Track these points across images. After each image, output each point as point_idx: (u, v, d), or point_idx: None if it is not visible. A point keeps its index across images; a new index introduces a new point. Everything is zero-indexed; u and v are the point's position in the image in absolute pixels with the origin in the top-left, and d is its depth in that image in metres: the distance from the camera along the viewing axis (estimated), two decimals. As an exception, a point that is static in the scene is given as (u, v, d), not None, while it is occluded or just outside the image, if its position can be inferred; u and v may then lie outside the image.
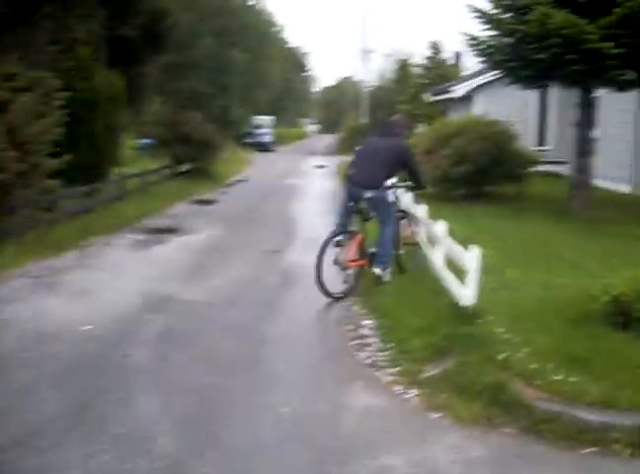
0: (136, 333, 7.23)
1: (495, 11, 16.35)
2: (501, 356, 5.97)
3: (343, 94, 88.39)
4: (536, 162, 19.34)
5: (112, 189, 17.22)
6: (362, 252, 8.85)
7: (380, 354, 6.78)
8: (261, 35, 52.87)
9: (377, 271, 8.73)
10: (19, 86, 11.32)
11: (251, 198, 20.42)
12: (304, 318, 8.07)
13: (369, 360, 6.65)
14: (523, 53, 15.89)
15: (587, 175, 16.78)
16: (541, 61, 15.56)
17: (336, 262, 8.55)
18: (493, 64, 17.39)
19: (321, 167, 33.27)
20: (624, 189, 20.45)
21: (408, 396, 5.83)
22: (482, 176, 18.04)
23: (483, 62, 18.25)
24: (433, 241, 9.67)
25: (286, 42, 77.15)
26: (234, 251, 11.85)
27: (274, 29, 62.84)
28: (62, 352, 6.59)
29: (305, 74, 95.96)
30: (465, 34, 16.83)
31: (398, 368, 6.36)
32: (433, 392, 5.81)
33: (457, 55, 47.22)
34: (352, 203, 8.96)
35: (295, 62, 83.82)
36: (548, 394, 5.37)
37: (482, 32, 16.74)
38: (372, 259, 8.90)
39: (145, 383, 5.93)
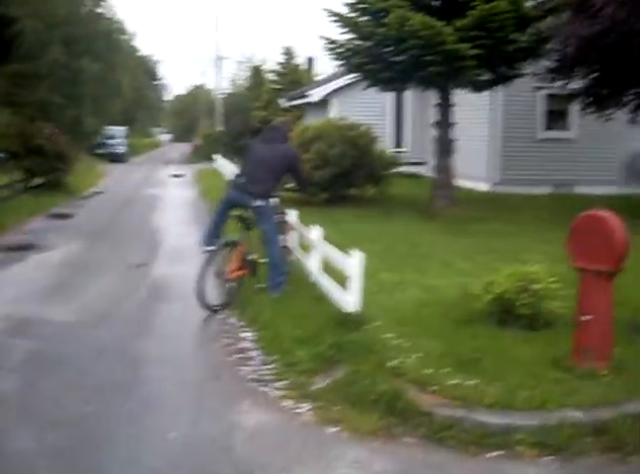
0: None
1: (352, 14, 16.40)
2: (392, 363, 5.79)
3: (196, 102, 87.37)
4: (396, 164, 19.61)
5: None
6: (244, 261, 8.48)
7: (264, 367, 6.47)
8: (111, 43, 51.25)
9: (274, 294, 8.16)
10: None
11: (110, 210, 19.53)
12: (180, 334, 7.62)
13: (254, 375, 6.32)
14: (382, 56, 16.09)
15: (448, 174, 17.16)
16: (400, 63, 15.83)
17: (217, 273, 8.27)
18: (352, 67, 17.46)
19: (178, 176, 32.54)
20: (483, 187, 21.15)
21: (300, 411, 5.54)
22: (344, 179, 18.08)
23: (342, 65, 18.37)
24: (305, 247, 9.49)
25: (137, 51, 75.30)
26: (98, 266, 11.15)
27: (124, 37, 61.03)
28: None
29: (157, 83, 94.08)
30: (323, 37, 16.81)
31: (285, 382, 6.07)
32: (325, 405, 5.55)
33: (310, 60, 47.70)
34: (231, 211, 8.59)
35: (147, 71, 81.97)
36: (445, 399, 5.22)
37: (340, 35, 16.81)
38: (253, 267, 8.63)
39: (12, 417, 5.35)
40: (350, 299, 6.78)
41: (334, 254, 7.51)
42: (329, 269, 8.18)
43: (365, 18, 16.36)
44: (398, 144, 27.03)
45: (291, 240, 9.99)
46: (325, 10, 16.42)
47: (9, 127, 23.19)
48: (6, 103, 32.75)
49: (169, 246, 13.13)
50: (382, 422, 5.20)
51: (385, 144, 22.43)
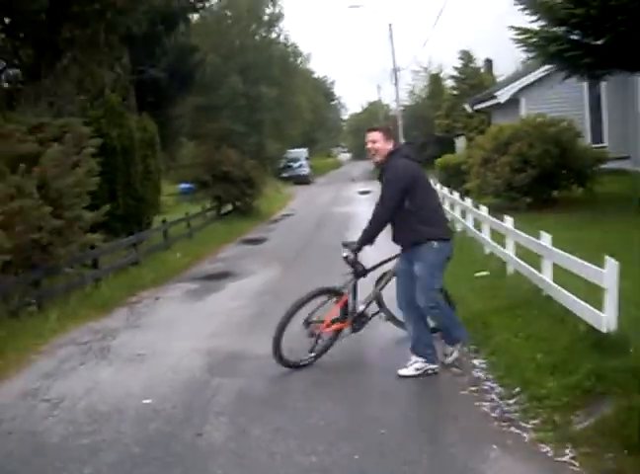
0: (205, 404, 6.01)
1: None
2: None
3: (372, 118, 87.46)
4: (603, 159, 17.90)
5: (156, 238, 16.21)
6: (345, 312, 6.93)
7: (506, 402, 5.49)
8: (287, 67, 52.23)
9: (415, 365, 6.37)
10: (48, 137, 10.34)
11: (302, 232, 19.19)
12: (397, 365, 6.71)
13: (495, 413, 5.35)
14: (581, 40, 14.64)
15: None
16: (602, 47, 14.29)
17: (307, 323, 6.72)
18: (547, 57, 16.02)
19: (366, 192, 32.07)
20: None
21: (562, 459, 4.51)
22: (548, 180, 16.72)
23: (536, 56, 16.92)
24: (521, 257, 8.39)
25: (312, 73, 76.57)
26: (295, 293, 10.57)
27: (299, 60, 62.15)
28: (123, 436, 5.41)
29: (334, 102, 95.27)
30: (513, 27, 15.55)
31: (536, 420, 5.06)
32: (594, 451, 4.49)
33: (489, 62, 45.93)
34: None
35: (323, 92, 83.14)
36: None
37: (530, 24, 15.51)
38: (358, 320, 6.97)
39: (228, 468, 4.73)
40: (604, 317, 5.64)
41: (577, 263, 6.36)
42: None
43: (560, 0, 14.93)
44: (597, 139, 25.00)
45: (509, 250, 8.96)
46: (514, -1, 15.18)
47: (196, 157, 23.62)
48: (190, 135, 33.88)
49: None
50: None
51: (585, 140, 20.69)
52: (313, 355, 6.77)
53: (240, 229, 19.98)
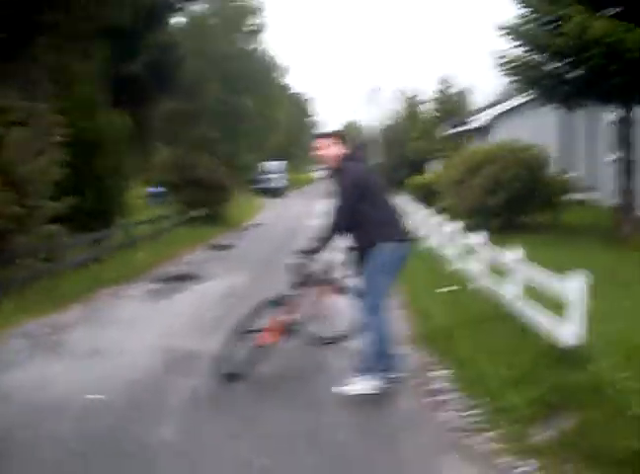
0: (157, 402, 5.79)
1: (526, 26, 15.18)
2: (637, 411, 4.54)
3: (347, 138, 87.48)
4: (569, 189, 18.10)
5: (120, 236, 15.90)
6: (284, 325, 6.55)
7: (467, 413, 5.35)
8: (266, 79, 52.15)
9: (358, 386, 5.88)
10: (14, 120, 10.04)
11: (270, 241, 18.99)
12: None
13: (455, 423, 5.21)
14: (558, 69, 14.80)
15: (632, 199, 15.45)
16: (578, 77, 14.46)
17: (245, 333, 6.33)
18: (526, 83, 16.13)
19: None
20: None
21: (522, 469, 4.38)
22: (517, 205, 16.77)
23: (514, 82, 17.01)
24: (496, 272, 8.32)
25: (290, 88, 76.56)
26: (261, 296, 10.39)
27: (277, 73, 62.04)
28: (62, 432, 5.15)
29: (310, 120, 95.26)
30: (494, 52, 15.68)
31: (497, 432, 4.93)
32: (554, 463, 4.38)
33: (465, 91, 46.42)
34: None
35: (300, 108, 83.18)
36: None
37: (511, 50, 15.64)
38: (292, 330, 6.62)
39: (176, 467, 4.52)
40: (569, 330, 5.55)
41: (543, 277, 6.29)
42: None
43: (540, 29, 15.07)
44: (567, 169, 25.16)
45: (482, 265, 8.88)
46: (496, 26, 15.29)
47: (169, 159, 23.38)
48: (166, 139, 33.62)
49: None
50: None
51: (553, 169, 20.85)
52: (250, 365, 6.27)
53: (208, 235, 19.70)
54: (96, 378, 6.42)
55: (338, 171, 6.07)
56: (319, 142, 6.21)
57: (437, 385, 6.03)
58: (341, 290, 6.97)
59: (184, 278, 12.39)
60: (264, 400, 5.80)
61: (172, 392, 6.01)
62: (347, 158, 6.08)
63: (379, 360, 5.79)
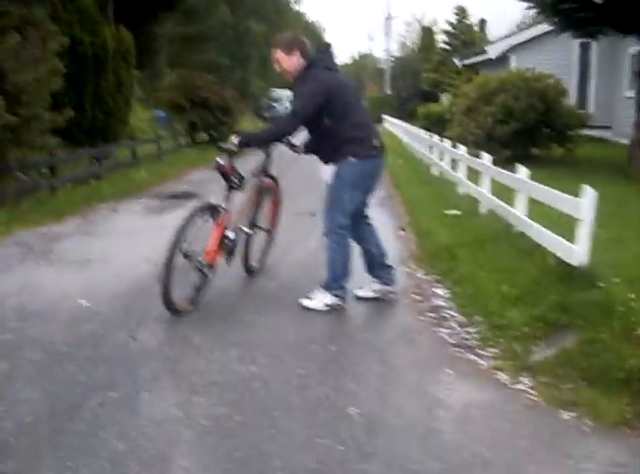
0: (145, 309, 5.59)
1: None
2: (643, 331, 4.33)
3: (361, 71, 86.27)
4: (586, 122, 17.61)
5: (123, 156, 15.63)
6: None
7: (466, 330, 5.16)
8: (278, 4, 50.99)
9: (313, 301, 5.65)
10: (8, 25, 9.67)
11: (275, 164, 18.65)
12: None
13: (454, 339, 5.01)
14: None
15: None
16: (599, 3, 13.89)
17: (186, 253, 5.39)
18: (543, 8, 15.54)
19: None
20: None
21: (520, 387, 4.19)
22: (529, 136, 16.35)
23: (532, 7, 16.40)
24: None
25: (303, 16, 75.07)
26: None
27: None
28: (50, 335, 5.00)
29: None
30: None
31: (496, 349, 4.74)
32: (553, 381, 4.18)
33: (482, 22, 45.32)
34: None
35: (313, 38, 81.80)
36: None
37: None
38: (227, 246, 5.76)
39: (160, 372, 4.36)
40: (576, 250, 5.30)
41: (553, 194, 6.01)
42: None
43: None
44: (582, 105, 24.61)
45: (483, 187, 8.61)
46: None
47: (175, 80, 22.87)
48: (174, 65, 33.00)
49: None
50: (636, 408, 3.79)
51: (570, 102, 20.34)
52: (198, 294, 5.58)
53: (213, 156, 19.28)
54: (84, 285, 6.25)
55: (300, 81, 5.46)
56: (276, 55, 5.55)
57: (436, 302, 5.83)
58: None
59: (185, 197, 12.16)
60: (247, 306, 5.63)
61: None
62: (310, 65, 5.46)
63: (334, 279, 5.57)
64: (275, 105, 47.72)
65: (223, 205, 5.61)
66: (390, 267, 5.89)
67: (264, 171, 6.27)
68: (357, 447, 3.44)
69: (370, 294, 5.86)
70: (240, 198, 5.95)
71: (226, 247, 5.68)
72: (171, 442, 3.46)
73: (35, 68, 9.72)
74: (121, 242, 8.30)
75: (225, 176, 5.65)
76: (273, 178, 6.46)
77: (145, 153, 16.96)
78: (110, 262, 7.22)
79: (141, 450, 3.38)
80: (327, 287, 5.60)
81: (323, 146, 5.55)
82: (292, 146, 5.93)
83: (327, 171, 5.61)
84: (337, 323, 5.39)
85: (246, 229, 6.04)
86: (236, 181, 5.70)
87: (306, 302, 5.61)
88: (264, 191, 6.34)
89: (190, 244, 5.36)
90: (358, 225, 5.74)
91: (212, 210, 5.57)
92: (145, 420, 3.69)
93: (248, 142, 5.53)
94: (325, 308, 5.54)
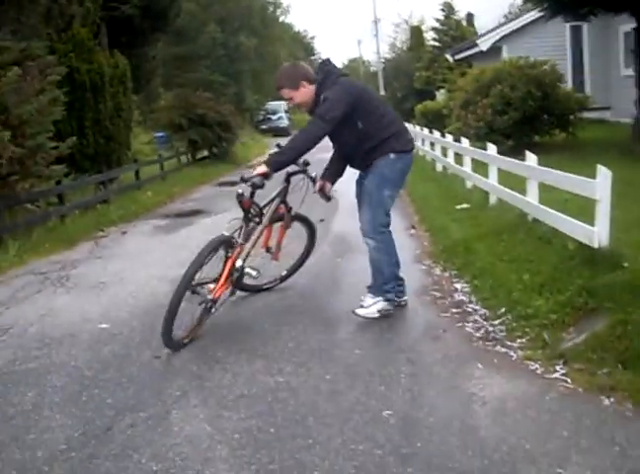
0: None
1: None
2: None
3: (353, 73, 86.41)
4: (586, 105, 17.47)
5: (127, 178, 15.64)
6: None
7: (491, 323, 5.09)
8: (266, 18, 51.10)
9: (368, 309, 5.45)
10: (7, 61, 9.67)
11: (279, 175, 18.61)
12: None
13: (480, 333, 4.95)
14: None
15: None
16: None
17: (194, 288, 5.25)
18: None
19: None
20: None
21: (554, 375, 4.12)
22: (529, 124, 16.23)
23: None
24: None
25: (292, 27, 75.28)
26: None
27: (278, 11, 60.81)
28: (74, 359, 4.95)
29: (314, 58, 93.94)
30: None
31: (524, 339, 4.67)
32: (587, 367, 4.12)
33: (470, 16, 45.20)
34: None
35: (302, 46, 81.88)
36: None
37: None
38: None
39: (187, 389, 4.30)
40: (596, 231, 5.22)
41: (566, 177, 5.94)
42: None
43: None
44: (580, 88, 24.51)
45: (492, 179, 8.55)
46: None
47: (173, 100, 22.91)
48: (168, 85, 33.12)
49: (349, 204, 11.95)
50: (676, 389, 3.73)
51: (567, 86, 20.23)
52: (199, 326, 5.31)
53: (216, 173, 19.40)
54: (102, 308, 6.22)
55: (320, 95, 5.27)
56: (285, 95, 5.42)
57: (457, 297, 5.77)
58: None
59: (192, 214, 12.15)
60: (267, 317, 5.57)
61: (181, 316, 5.74)
62: (325, 80, 5.29)
63: (385, 281, 5.40)
64: (271, 117, 47.79)
65: (238, 239, 5.43)
66: (402, 279, 5.66)
67: (282, 199, 6.00)
68: (395, 450, 3.39)
69: (376, 315, 5.42)
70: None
71: (233, 277, 5.44)
72: (206, 459, 3.41)
73: (36, 99, 9.71)
74: (134, 263, 8.26)
75: (244, 209, 5.50)
76: (287, 206, 6.10)
77: (149, 174, 16.95)
78: (124, 283, 7.19)
79: (177, 469, 3.33)
80: (379, 291, 5.41)
81: (358, 152, 5.40)
82: (323, 194, 5.78)
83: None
84: (359, 326, 5.32)
85: (253, 273, 5.67)
86: (254, 214, 5.54)
87: (361, 311, 5.39)
88: (277, 218, 6.05)
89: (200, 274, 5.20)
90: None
91: (226, 244, 5.37)
92: (178, 438, 3.64)
93: (279, 168, 5.39)
94: (377, 315, 5.36)
